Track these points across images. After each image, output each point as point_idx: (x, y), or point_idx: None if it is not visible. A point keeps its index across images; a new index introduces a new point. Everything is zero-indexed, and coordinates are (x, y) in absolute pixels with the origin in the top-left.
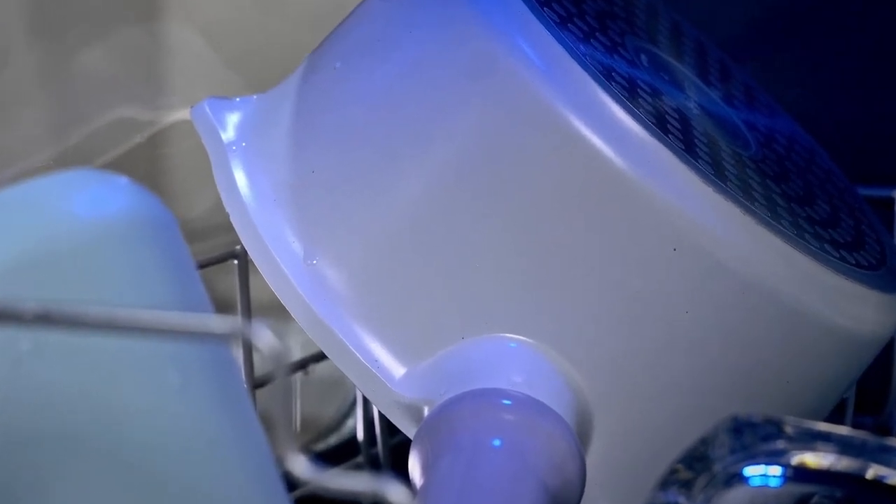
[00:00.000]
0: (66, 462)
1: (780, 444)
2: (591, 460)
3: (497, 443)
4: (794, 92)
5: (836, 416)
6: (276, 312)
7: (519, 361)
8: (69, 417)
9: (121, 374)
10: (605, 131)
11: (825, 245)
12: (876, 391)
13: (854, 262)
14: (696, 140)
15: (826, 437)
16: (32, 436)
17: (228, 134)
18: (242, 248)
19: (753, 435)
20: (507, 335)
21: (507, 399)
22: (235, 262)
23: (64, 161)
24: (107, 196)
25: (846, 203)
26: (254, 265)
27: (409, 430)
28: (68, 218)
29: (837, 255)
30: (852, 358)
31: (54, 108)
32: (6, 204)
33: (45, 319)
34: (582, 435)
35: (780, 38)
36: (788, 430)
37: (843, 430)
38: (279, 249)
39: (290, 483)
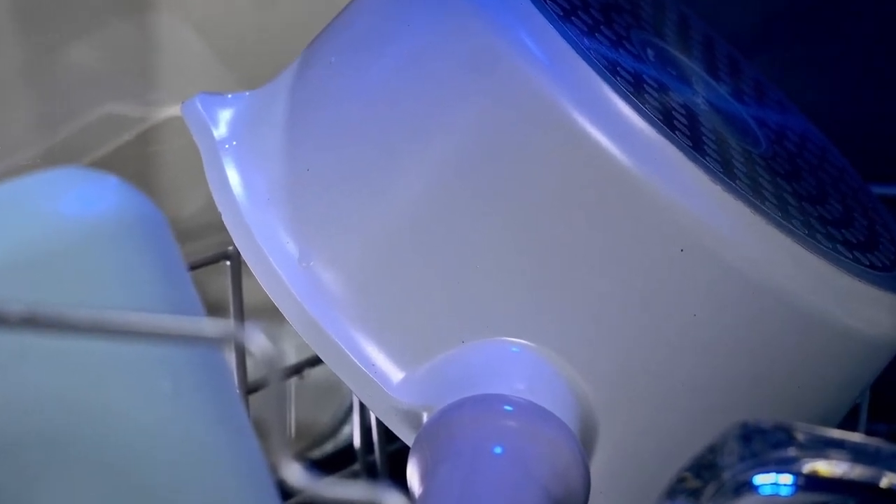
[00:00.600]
0: (53, 468)
1: (791, 452)
2: (595, 468)
3: (498, 450)
4: (795, 92)
5: (848, 423)
6: (270, 315)
7: (521, 366)
8: (57, 422)
9: (110, 378)
10: (610, 128)
11: (838, 245)
12: (890, 397)
13: (868, 263)
14: (703, 137)
15: (839, 445)
16: (19, 441)
17: (220, 131)
18: (235, 248)
19: (763, 442)
20: (509, 339)
21: (509, 405)
22: (228, 263)
23: (51, 159)
24: (95, 195)
25: (859, 202)
26: (247, 266)
27: (407, 436)
28: (56, 217)
29: (850, 256)
30: (865, 362)
31: (41, 104)
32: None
33: (32, 322)
34: (586, 442)
35: (781, 38)
36: (800, 436)
37: (856, 437)
38: (273, 250)
39: (285, 491)
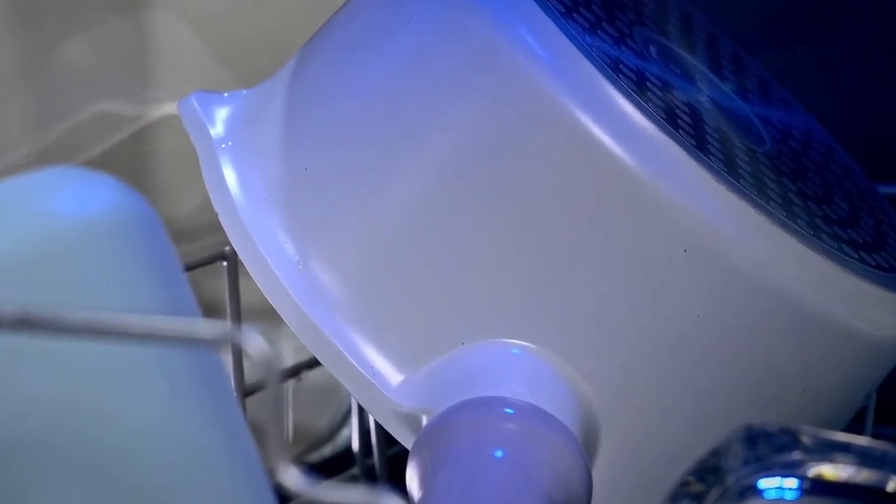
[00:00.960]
0: (48, 470)
1: (796, 456)
2: (597, 472)
3: (499, 453)
4: (796, 92)
5: (854, 426)
6: (267, 316)
7: (521, 368)
8: (51, 425)
9: (106, 380)
10: (613, 126)
11: (843, 245)
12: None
13: (874, 263)
14: (707, 136)
15: (845, 448)
16: (13, 443)
17: (217, 129)
18: (232, 249)
19: (768, 445)
20: (509, 340)
21: (510, 408)
22: (224, 263)
23: (45, 158)
24: (90, 194)
25: (866, 202)
26: (244, 267)
27: (406, 440)
28: (49, 217)
29: (856, 257)
30: (871, 364)
31: (36, 102)
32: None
33: (26, 323)
34: (588, 445)
35: (781, 38)
36: (805, 440)
37: (862, 440)
38: (270, 250)
39: (282, 496)
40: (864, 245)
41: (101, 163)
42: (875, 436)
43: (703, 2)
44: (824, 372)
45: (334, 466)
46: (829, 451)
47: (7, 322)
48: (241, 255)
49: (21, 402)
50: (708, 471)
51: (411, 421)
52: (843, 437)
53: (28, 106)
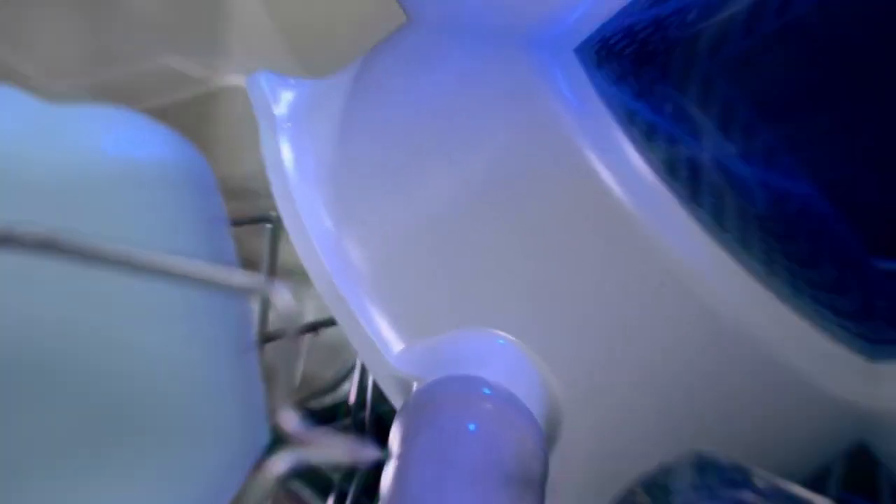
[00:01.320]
0: (37, 392)
1: (747, 496)
2: (552, 465)
3: (472, 426)
4: None
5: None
6: (298, 277)
7: (504, 357)
8: (51, 348)
9: (123, 313)
10: (616, 169)
11: (822, 309)
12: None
13: (857, 332)
14: (702, 189)
15: (797, 502)
16: (8, 363)
17: (280, 109)
18: (277, 214)
19: (717, 476)
20: (498, 332)
21: (488, 388)
22: (268, 225)
23: (104, 94)
24: (147, 138)
25: (857, 274)
26: (284, 231)
27: (397, 401)
28: (95, 153)
29: (836, 321)
30: (837, 426)
31: (102, 36)
32: (47, 125)
33: (51, 246)
34: (549, 435)
35: None
36: (758, 482)
37: (821, 500)
38: (311, 222)
39: (277, 435)
40: (848, 313)
41: (161, 115)
42: (839, 501)
43: None
44: (787, 424)
45: (331, 415)
46: (783, 500)
47: (31, 242)
48: (286, 222)
49: (25, 321)
50: (656, 486)
51: (404, 385)
52: (801, 491)
53: (94, 39)
